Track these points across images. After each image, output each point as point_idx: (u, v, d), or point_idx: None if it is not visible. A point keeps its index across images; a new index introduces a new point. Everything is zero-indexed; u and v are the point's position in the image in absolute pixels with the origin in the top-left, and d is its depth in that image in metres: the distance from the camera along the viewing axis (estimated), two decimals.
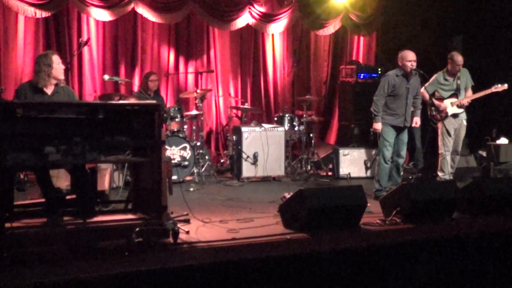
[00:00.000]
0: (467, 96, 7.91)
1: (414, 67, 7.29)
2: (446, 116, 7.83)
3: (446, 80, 7.91)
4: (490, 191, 6.27)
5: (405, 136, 7.44)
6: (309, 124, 9.70)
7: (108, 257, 4.46)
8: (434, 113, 7.89)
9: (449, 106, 7.82)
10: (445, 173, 7.82)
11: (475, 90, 8.02)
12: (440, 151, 7.89)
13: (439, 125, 7.89)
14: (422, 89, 7.80)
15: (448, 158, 7.84)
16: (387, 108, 7.30)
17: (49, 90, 5.58)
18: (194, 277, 4.26)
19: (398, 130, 7.35)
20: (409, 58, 7.24)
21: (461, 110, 7.87)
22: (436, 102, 7.82)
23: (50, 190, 5.26)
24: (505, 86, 7.89)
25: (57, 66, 5.58)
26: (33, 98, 5.46)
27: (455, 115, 7.85)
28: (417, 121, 7.57)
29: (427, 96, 7.84)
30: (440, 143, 7.90)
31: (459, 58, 7.78)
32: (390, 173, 7.39)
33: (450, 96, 7.87)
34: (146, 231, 4.79)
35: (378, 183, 7.32)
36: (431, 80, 7.93)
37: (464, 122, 7.93)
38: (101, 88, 9.18)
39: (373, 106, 7.33)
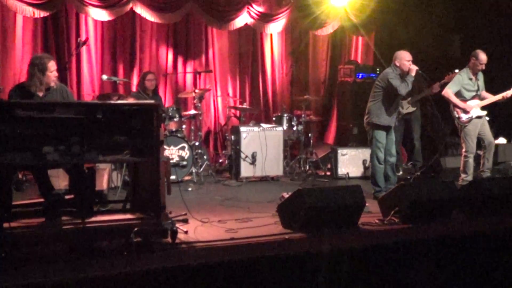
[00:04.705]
0: (492, 97, 7.68)
1: None
2: (472, 118, 7.60)
3: (470, 79, 7.63)
4: (489, 191, 6.28)
5: (393, 134, 7.43)
6: (307, 124, 9.70)
7: (106, 257, 4.46)
8: (461, 115, 7.61)
9: (474, 108, 7.59)
10: (468, 174, 7.60)
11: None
12: (464, 153, 7.65)
13: (462, 127, 7.64)
14: (446, 89, 7.63)
15: (471, 160, 7.61)
16: (385, 108, 7.24)
17: (40, 93, 5.54)
18: (192, 277, 4.26)
19: (387, 130, 7.34)
20: (408, 57, 7.23)
21: (485, 112, 7.67)
22: (462, 103, 7.57)
23: (49, 190, 5.26)
24: None
25: (51, 74, 5.49)
26: None
27: (479, 117, 7.63)
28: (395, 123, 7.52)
29: (452, 96, 7.59)
30: (463, 144, 7.67)
31: (483, 57, 7.50)
32: (385, 173, 7.37)
33: (472, 98, 7.65)
34: (144, 231, 4.79)
35: (377, 185, 7.28)
36: (454, 79, 7.68)
37: (487, 118, 7.73)
38: (99, 88, 9.17)
39: (404, 90, 7.15)
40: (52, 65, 5.51)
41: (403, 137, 9.46)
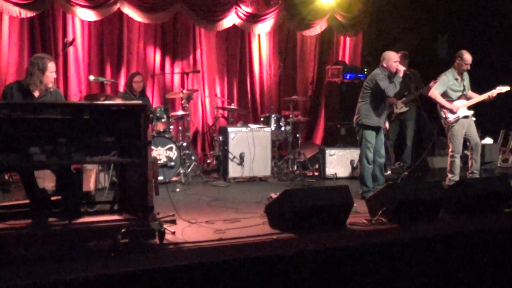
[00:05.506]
0: (478, 97, 7.72)
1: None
2: (459, 118, 7.62)
3: (456, 80, 7.66)
4: (476, 191, 6.31)
5: (382, 135, 7.47)
6: (295, 124, 9.71)
7: (94, 258, 4.44)
8: (448, 115, 7.64)
9: (460, 108, 7.62)
10: (454, 174, 7.64)
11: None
12: (450, 153, 7.69)
13: (449, 127, 7.68)
14: (432, 90, 7.66)
15: (458, 160, 7.66)
16: (374, 109, 7.25)
17: (36, 93, 5.55)
18: (180, 278, 4.25)
19: (377, 130, 7.35)
20: (395, 58, 7.26)
21: (472, 111, 7.71)
22: (449, 104, 7.60)
23: (35, 191, 5.23)
24: (508, 88, 7.67)
25: (50, 74, 5.56)
26: (19, 100, 5.43)
27: (466, 117, 7.66)
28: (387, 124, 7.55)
29: (438, 97, 7.62)
30: (450, 145, 7.71)
31: (468, 57, 7.55)
32: (374, 174, 7.38)
33: (458, 98, 7.68)
34: (132, 232, 4.78)
35: (365, 185, 7.28)
36: (440, 80, 7.70)
37: (473, 118, 7.77)
38: (86, 88, 9.12)
39: (392, 92, 7.19)
40: (52, 66, 5.58)
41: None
